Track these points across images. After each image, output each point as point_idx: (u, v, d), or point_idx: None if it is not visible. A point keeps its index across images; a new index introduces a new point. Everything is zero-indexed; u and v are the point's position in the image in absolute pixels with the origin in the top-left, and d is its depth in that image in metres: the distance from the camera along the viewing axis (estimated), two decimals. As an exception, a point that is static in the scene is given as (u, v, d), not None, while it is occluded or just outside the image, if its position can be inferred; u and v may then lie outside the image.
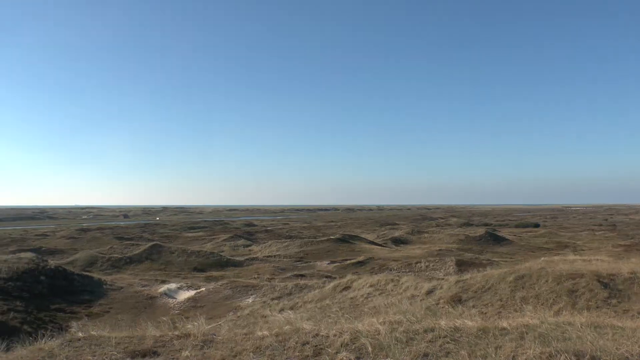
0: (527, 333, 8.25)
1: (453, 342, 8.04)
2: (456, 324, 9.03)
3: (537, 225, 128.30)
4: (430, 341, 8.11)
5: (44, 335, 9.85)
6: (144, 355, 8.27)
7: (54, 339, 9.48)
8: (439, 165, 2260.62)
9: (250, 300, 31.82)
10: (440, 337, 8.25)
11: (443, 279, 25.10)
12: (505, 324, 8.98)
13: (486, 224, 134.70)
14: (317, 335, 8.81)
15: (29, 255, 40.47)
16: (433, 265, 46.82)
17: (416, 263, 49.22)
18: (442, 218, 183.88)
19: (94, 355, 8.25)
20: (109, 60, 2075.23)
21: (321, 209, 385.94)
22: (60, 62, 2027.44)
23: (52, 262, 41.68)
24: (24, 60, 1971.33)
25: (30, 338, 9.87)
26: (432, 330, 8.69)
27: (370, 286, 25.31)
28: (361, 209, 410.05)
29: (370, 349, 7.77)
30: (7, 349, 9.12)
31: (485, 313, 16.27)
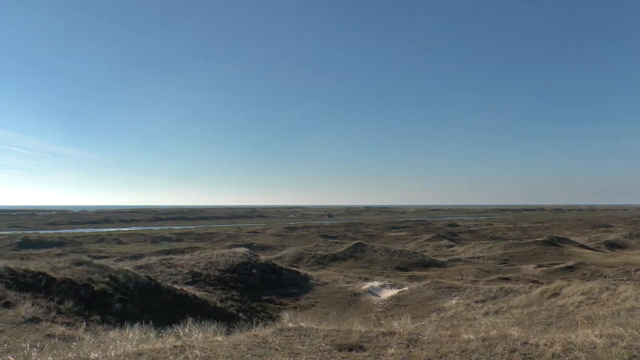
0: None
1: (688, 365, 6.94)
2: (691, 345, 7.78)
3: None
4: (657, 361, 7.13)
5: (257, 323, 10.66)
6: (350, 349, 8.39)
7: (267, 327, 10.08)
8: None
9: (453, 301, 31.12)
10: (671, 358, 7.18)
11: (670, 290, 21.84)
12: None
13: None
14: (525, 343, 8.33)
15: (243, 250, 44.36)
16: (657, 274, 41.19)
17: (635, 271, 43.65)
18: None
19: (304, 345, 8.55)
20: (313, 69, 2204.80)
21: (527, 209, 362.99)
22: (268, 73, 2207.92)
23: (263, 257, 45.61)
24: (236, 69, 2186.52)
25: (246, 325, 10.71)
26: (661, 349, 7.59)
27: (582, 294, 23.10)
28: (570, 209, 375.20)
29: (585, 363, 7.13)
30: (228, 333, 10.00)
31: None
